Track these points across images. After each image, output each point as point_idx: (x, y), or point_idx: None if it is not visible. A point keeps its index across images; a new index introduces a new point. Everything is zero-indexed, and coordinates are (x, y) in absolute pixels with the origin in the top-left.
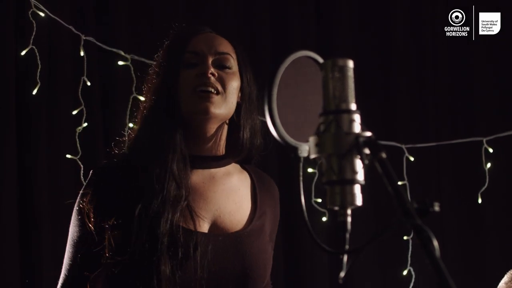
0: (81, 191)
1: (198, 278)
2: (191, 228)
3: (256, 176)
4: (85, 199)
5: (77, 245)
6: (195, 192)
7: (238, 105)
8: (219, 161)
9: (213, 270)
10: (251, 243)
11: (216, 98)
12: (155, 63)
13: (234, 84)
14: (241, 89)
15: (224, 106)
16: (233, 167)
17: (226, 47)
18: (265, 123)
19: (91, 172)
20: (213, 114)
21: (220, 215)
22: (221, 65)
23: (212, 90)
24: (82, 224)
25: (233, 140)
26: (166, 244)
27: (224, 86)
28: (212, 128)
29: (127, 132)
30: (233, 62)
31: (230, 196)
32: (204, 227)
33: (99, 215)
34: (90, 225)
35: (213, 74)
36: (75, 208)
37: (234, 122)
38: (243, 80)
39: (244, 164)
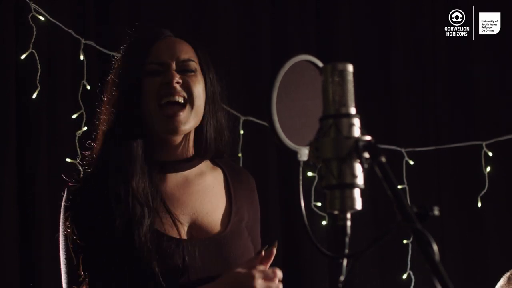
0: (61, 215)
1: (187, 285)
2: (176, 236)
3: (228, 170)
4: (67, 222)
5: (73, 274)
6: (171, 198)
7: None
8: (190, 162)
9: (201, 275)
10: (234, 245)
11: (184, 114)
12: (112, 71)
13: (199, 88)
14: (205, 91)
15: (192, 118)
16: (205, 165)
17: (187, 52)
18: (230, 118)
19: (66, 191)
20: (182, 131)
21: (198, 218)
22: (185, 70)
23: (179, 100)
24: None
25: (199, 140)
26: (154, 259)
27: (190, 92)
28: (179, 138)
29: (90, 145)
30: (196, 66)
31: (205, 196)
32: (185, 233)
33: (78, 234)
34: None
35: (178, 82)
36: (61, 234)
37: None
38: (206, 82)
39: (217, 159)
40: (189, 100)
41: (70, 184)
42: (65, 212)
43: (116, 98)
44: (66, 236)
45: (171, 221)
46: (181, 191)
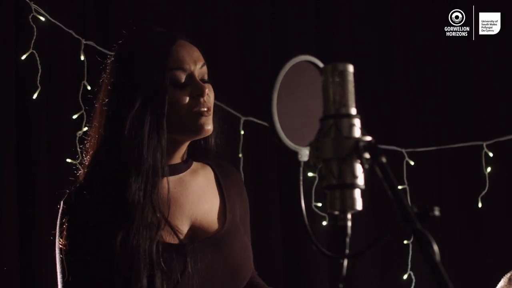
0: (57, 228)
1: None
2: (176, 242)
3: (217, 167)
4: (63, 234)
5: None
6: (170, 202)
7: None
8: (186, 164)
9: (204, 277)
10: (233, 241)
11: (210, 116)
12: (114, 72)
13: (214, 95)
14: None
15: (213, 120)
16: (195, 165)
17: (201, 58)
18: (225, 120)
19: (62, 204)
20: (207, 132)
21: (196, 219)
22: (203, 80)
23: (208, 109)
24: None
25: (199, 143)
26: (159, 268)
27: (210, 101)
28: (191, 140)
29: (89, 150)
30: (208, 72)
31: (201, 196)
32: (186, 236)
33: (77, 242)
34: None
35: (207, 94)
36: (58, 250)
37: None
38: None
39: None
40: (211, 108)
41: (68, 192)
42: (60, 223)
43: (137, 104)
44: (61, 250)
45: (170, 228)
46: (179, 194)
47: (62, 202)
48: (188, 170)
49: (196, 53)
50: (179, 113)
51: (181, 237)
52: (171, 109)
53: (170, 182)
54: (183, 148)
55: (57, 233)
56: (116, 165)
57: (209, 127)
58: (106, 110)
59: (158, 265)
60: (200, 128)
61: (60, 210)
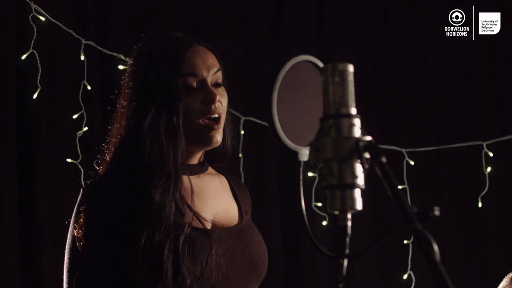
0: (73, 216)
1: (214, 275)
2: (201, 227)
3: (230, 177)
4: (79, 222)
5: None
6: (191, 196)
7: None
8: (203, 167)
9: (226, 265)
10: (252, 235)
11: (220, 127)
12: (131, 76)
13: (226, 101)
14: None
15: (223, 129)
16: (210, 170)
17: (216, 64)
18: (234, 123)
19: (82, 191)
20: (216, 144)
21: (218, 212)
22: (216, 84)
23: (218, 116)
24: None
25: (215, 148)
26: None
27: (222, 107)
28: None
29: (112, 146)
30: (222, 77)
31: (219, 195)
32: (210, 224)
33: (94, 231)
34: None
35: (219, 101)
36: (70, 235)
37: None
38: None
39: (216, 167)
40: (222, 115)
41: (87, 183)
42: (77, 210)
43: (153, 109)
44: (73, 236)
45: (194, 216)
46: (199, 189)
47: (82, 190)
48: (205, 172)
49: (211, 60)
50: (190, 121)
51: (206, 224)
52: (184, 115)
53: (191, 178)
54: (198, 153)
55: (72, 220)
56: (138, 166)
57: (218, 139)
58: (125, 112)
59: (184, 254)
60: (209, 141)
61: (79, 198)
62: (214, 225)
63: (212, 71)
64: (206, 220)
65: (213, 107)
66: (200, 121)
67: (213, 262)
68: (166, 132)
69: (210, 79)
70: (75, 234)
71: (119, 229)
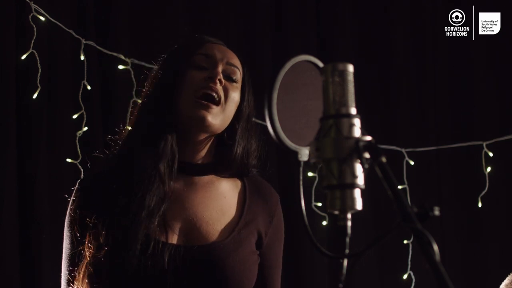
0: (70, 204)
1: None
2: (163, 239)
3: (250, 183)
4: (72, 207)
5: (72, 259)
6: (173, 199)
7: (233, 123)
8: (201, 170)
9: (185, 283)
10: (227, 253)
11: (215, 109)
12: (158, 65)
13: (235, 98)
14: (240, 108)
15: (220, 118)
16: (219, 174)
17: (237, 61)
18: (263, 147)
19: (77, 183)
20: (209, 123)
21: (196, 224)
22: (229, 77)
23: (215, 96)
24: (74, 236)
25: (223, 155)
26: (137, 254)
27: (226, 96)
28: (201, 136)
29: (122, 131)
30: (239, 77)
31: (211, 204)
32: (176, 237)
33: (84, 214)
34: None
35: (220, 81)
36: (66, 220)
37: (224, 138)
38: (243, 99)
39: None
40: (224, 101)
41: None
42: (72, 199)
43: (159, 83)
44: (71, 220)
45: (163, 224)
46: (185, 195)
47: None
48: (206, 177)
49: (231, 55)
50: (188, 92)
51: (171, 236)
52: (184, 89)
53: (180, 181)
54: (194, 145)
55: (70, 203)
56: (130, 142)
57: (210, 120)
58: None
59: (141, 253)
60: (199, 120)
61: (76, 187)
62: (186, 237)
63: (227, 61)
64: (172, 232)
65: (212, 84)
66: (195, 97)
67: (166, 274)
68: (164, 107)
69: (222, 67)
70: (71, 217)
71: (106, 204)
